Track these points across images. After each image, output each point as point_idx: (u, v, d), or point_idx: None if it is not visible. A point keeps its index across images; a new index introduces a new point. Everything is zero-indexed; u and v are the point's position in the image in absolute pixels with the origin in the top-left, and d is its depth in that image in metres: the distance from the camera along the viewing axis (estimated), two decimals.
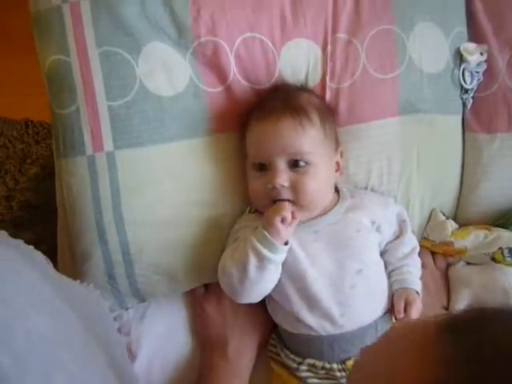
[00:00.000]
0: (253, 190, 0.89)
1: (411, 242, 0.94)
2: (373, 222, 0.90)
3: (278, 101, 0.87)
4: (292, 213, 0.82)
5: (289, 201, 0.84)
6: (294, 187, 0.84)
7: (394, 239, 0.94)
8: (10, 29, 1.63)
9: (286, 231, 0.81)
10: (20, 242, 0.70)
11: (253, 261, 0.81)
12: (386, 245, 0.93)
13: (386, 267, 0.91)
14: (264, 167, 0.86)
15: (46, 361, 0.53)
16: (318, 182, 0.86)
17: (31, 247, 0.73)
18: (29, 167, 1.42)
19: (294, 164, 0.85)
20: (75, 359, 0.59)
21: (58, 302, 0.64)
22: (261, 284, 0.83)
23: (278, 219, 0.80)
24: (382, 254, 0.93)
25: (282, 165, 0.84)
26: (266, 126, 0.85)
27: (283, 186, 0.84)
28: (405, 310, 0.85)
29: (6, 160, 1.44)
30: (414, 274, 0.90)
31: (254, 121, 0.87)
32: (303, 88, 0.93)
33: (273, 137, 0.85)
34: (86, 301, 0.82)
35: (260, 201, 0.88)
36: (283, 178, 0.84)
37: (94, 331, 0.70)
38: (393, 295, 0.88)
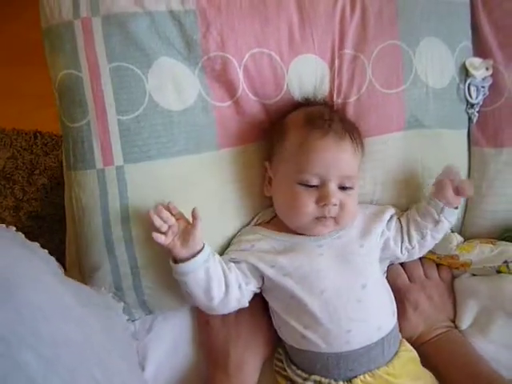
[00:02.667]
0: (295, 204, 0.87)
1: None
2: (374, 237, 0.91)
3: (337, 120, 0.89)
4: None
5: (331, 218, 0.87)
6: (341, 207, 0.87)
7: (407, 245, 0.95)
8: (19, 41, 1.65)
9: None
10: (36, 245, 0.71)
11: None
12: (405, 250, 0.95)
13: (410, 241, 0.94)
14: (311, 184, 0.86)
15: (71, 364, 0.54)
16: (356, 203, 0.91)
17: (46, 251, 0.74)
18: (37, 178, 1.44)
19: (342, 187, 0.87)
20: (99, 363, 0.60)
21: (80, 307, 0.64)
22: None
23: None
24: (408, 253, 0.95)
25: (334, 185, 0.86)
26: (329, 144, 0.86)
27: (335, 205, 0.86)
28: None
29: (15, 170, 1.45)
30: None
31: (314, 137, 0.86)
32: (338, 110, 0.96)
33: (334, 156, 0.86)
34: (100, 304, 0.83)
35: (303, 215, 0.87)
36: (337, 197, 0.86)
37: (112, 336, 0.71)
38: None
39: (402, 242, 0.94)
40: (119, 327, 0.87)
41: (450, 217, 0.92)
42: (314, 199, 0.86)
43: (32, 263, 0.63)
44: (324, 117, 0.89)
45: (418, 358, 0.89)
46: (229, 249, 0.93)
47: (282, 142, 0.90)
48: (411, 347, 0.90)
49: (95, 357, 0.62)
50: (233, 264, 0.88)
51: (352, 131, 0.89)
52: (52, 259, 0.75)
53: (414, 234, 0.93)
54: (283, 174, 0.90)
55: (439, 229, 0.93)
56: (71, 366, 0.55)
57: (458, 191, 0.91)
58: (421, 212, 0.93)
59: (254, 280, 0.88)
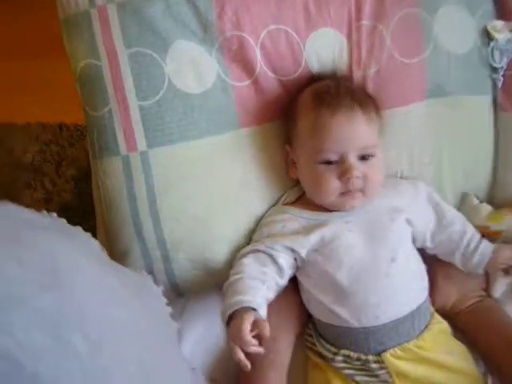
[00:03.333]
0: (319, 183, 0.88)
1: (457, 218, 0.94)
2: (404, 213, 0.90)
3: (344, 94, 0.88)
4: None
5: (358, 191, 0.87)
6: (365, 178, 0.86)
7: (438, 225, 0.93)
8: (40, 32, 1.66)
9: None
10: (78, 229, 0.73)
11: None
12: (434, 236, 0.93)
13: (451, 254, 0.92)
14: (331, 161, 0.87)
15: (118, 345, 0.56)
16: (381, 173, 0.90)
17: (88, 234, 0.75)
18: (65, 169, 1.47)
19: (363, 157, 0.87)
20: (144, 344, 0.62)
21: (122, 288, 0.66)
22: None
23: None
24: (436, 245, 0.93)
25: (354, 158, 0.86)
26: (340, 120, 0.85)
27: (358, 177, 0.85)
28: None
29: (44, 163, 1.48)
30: (480, 246, 0.91)
31: (324, 114, 0.86)
32: (349, 78, 0.95)
33: (347, 131, 0.85)
34: (141, 286, 0.85)
35: (328, 192, 0.87)
36: (359, 170, 0.85)
37: (154, 317, 0.73)
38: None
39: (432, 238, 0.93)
40: (160, 308, 0.88)
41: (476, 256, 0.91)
42: (337, 175, 0.86)
43: (74, 248, 0.64)
44: (331, 92, 0.88)
45: (450, 330, 0.88)
46: (262, 231, 0.92)
47: (295, 126, 0.91)
48: (442, 319, 0.89)
49: (141, 338, 0.63)
50: (269, 260, 0.87)
51: (362, 100, 0.88)
52: (94, 242, 0.76)
53: (446, 244, 0.93)
54: (304, 159, 0.90)
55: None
56: (116, 346, 0.56)
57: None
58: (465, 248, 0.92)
59: (288, 269, 0.88)
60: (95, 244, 0.75)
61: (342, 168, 0.85)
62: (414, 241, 0.92)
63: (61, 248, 0.60)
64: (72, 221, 0.72)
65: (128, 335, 0.61)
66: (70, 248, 0.62)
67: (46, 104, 1.58)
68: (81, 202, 1.39)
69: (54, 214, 0.73)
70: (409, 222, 0.90)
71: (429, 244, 0.93)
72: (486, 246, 0.91)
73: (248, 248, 0.90)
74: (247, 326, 0.75)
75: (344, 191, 0.87)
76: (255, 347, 0.75)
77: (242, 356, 0.76)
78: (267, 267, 0.87)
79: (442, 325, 0.88)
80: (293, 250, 0.87)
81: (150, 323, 0.71)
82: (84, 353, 0.50)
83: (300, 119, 0.90)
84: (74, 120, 1.54)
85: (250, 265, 0.86)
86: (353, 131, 0.86)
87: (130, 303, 0.67)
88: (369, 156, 0.87)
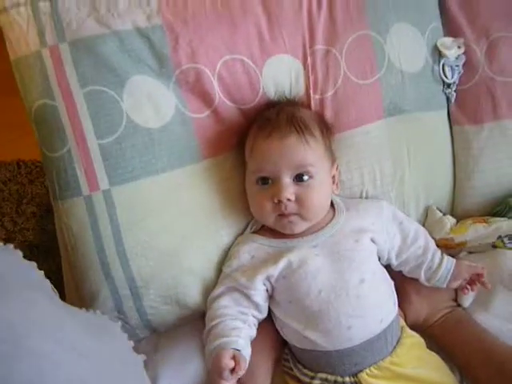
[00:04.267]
0: (257, 204, 0.90)
1: (419, 233, 0.95)
2: (368, 233, 0.91)
3: (282, 117, 0.89)
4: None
5: (294, 214, 0.87)
6: (300, 201, 0.86)
7: (403, 243, 0.94)
8: None
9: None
10: (33, 265, 0.71)
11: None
12: (399, 253, 0.94)
13: (416, 269, 0.94)
14: (267, 181, 0.88)
15: None
16: (321, 195, 0.89)
17: (42, 272, 0.73)
18: (26, 207, 1.43)
19: (298, 178, 0.87)
20: None
21: (84, 337, 0.64)
22: None
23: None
24: (401, 261, 0.94)
25: (287, 179, 0.86)
26: (272, 142, 0.86)
27: (289, 200, 0.85)
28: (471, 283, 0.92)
29: (3, 202, 1.45)
30: (443, 260, 0.93)
31: (260, 139, 0.88)
32: (299, 102, 0.95)
33: (279, 152, 0.86)
34: (100, 326, 0.83)
35: (264, 214, 0.89)
36: (289, 191, 0.85)
37: (121, 359, 0.71)
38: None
39: (397, 255, 0.94)
40: (124, 347, 0.86)
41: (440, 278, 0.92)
42: (270, 197, 0.87)
43: (29, 293, 0.62)
44: (270, 119, 0.89)
45: (422, 342, 0.89)
46: (231, 262, 0.91)
47: (243, 150, 0.93)
48: (413, 332, 0.90)
49: None
50: (244, 298, 0.87)
51: (300, 124, 0.88)
52: (47, 282, 0.74)
53: (411, 261, 0.94)
54: (247, 179, 0.92)
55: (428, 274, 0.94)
56: None
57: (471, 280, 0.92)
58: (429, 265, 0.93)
59: (264, 302, 0.88)
60: (48, 285, 0.73)
61: (273, 189, 0.86)
62: (379, 259, 0.93)
63: (21, 306, 0.58)
64: (36, 260, 0.70)
65: None
66: (28, 301, 0.60)
67: (1, 142, 1.55)
68: (44, 239, 1.35)
69: (11, 246, 0.70)
70: (373, 240, 0.91)
71: (394, 261, 0.94)
72: (449, 260, 0.93)
73: (220, 289, 0.89)
74: (226, 361, 0.77)
75: (279, 214, 0.87)
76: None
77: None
78: (244, 306, 0.87)
79: (413, 338, 0.89)
80: (264, 283, 0.87)
81: (120, 369, 0.69)
82: None
83: (245, 144, 0.92)
84: (32, 156, 1.51)
85: (227, 307, 0.86)
86: (285, 153, 0.86)
87: (95, 353, 0.65)
88: (305, 176, 0.87)
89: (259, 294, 0.87)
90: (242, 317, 0.85)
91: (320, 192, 0.88)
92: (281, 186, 0.85)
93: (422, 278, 0.93)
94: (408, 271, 0.95)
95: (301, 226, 0.89)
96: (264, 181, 0.88)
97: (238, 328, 0.83)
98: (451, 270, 0.92)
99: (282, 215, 0.87)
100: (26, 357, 0.51)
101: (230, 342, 0.81)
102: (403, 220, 0.96)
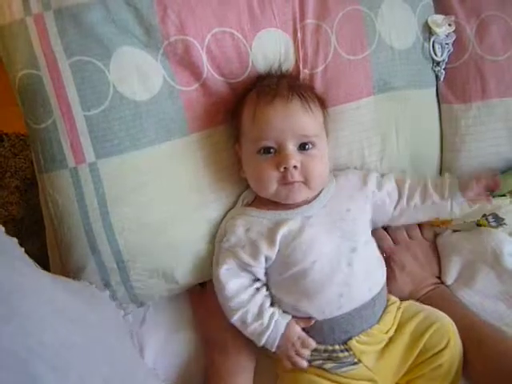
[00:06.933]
0: (259, 174, 0.88)
1: (414, 185, 0.96)
2: (360, 201, 0.93)
3: (283, 84, 0.88)
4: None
5: (298, 182, 0.87)
6: (304, 169, 0.86)
7: (399, 200, 0.96)
8: None
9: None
10: (15, 241, 0.71)
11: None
12: (400, 195, 0.96)
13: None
14: (270, 150, 0.87)
15: (80, 367, 0.55)
16: (324, 164, 0.90)
17: (22, 249, 0.73)
18: (9, 181, 1.41)
19: (302, 147, 0.87)
20: (104, 358, 0.61)
21: (73, 304, 0.65)
22: None
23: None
24: (407, 198, 0.95)
25: (292, 147, 0.86)
26: (276, 108, 0.86)
27: (295, 168, 0.85)
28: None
29: None
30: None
31: (263, 105, 0.87)
32: (295, 76, 0.95)
33: (284, 117, 0.85)
34: (89, 295, 0.83)
35: (266, 184, 0.88)
36: (296, 159, 0.85)
37: (109, 326, 0.72)
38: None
39: (399, 199, 0.95)
40: (112, 316, 0.87)
41: (457, 205, 0.93)
42: (275, 165, 0.86)
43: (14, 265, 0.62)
44: (271, 85, 0.88)
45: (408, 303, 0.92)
46: (228, 237, 0.91)
47: (240, 122, 0.91)
48: (396, 298, 0.93)
49: (100, 353, 0.62)
50: (252, 278, 0.90)
51: (302, 91, 0.88)
52: (29, 259, 0.74)
53: (416, 196, 0.94)
54: (246, 150, 0.91)
55: (439, 208, 0.95)
56: (80, 369, 0.55)
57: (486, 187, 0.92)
58: (434, 182, 0.95)
59: (263, 276, 0.90)
60: (27, 259, 0.73)
61: (279, 157, 0.86)
62: (376, 223, 0.96)
63: (18, 273, 0.58)
64: (20, 234, 0.69)
65: (88, 354, 0.59)
66: (12, 267, 0.60)
67: None
68: (28, 214, 1.34)
69: None
70: (366, 206, 0.93)
71: (402, 205, 0.96)
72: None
73: (224, 266, 0.89)
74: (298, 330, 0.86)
75: (284, 182, 0.87)
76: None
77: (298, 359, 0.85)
78: (253, 284, 0.89)
79: (396, 303, 0.92)
80: (266, 259, 0.88)
81: (107, 335, 0.69)
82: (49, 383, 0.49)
83: (243, 114, 0.90)
84: (15, 129, 1.48)
85: (240, 292, 0.87)
86: (290, 118, 0.86)
87: (84, 319, 0.66)
88: (309, 145, 0.87)
89: (262, 268, 0.89)
90: (257, 296, 0.87)
91: (322, 162, 0.89)
92: (286, 154, 0.85)
93: (435, 197, 0.94)
94: (415, 205, 0.95)
95: (303, 195, 0.88)
96: (267, 150, 0.87)
97: (263, 305, 0.87)
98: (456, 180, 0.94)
99: (286, 184, 0.86)
100: (13, 317, 0.51)
101: (276, 319, 0.86)
102: (391, 177, 0.97)
